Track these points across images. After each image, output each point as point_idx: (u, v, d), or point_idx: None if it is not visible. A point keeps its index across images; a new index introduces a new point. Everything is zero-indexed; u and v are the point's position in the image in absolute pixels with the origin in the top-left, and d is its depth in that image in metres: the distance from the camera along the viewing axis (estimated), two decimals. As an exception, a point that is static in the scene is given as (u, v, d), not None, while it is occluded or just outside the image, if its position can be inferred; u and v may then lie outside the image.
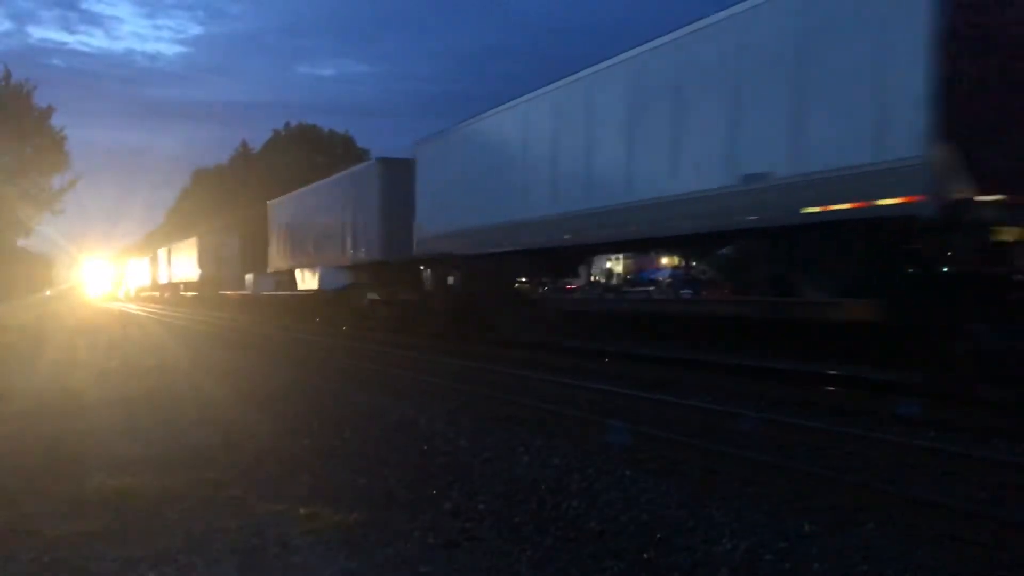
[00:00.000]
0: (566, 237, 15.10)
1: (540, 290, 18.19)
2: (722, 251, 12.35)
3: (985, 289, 9.09)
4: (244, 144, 76.99)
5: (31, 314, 32.77)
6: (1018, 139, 8.72)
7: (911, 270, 9.72)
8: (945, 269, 9.39)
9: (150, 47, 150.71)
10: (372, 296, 23.71)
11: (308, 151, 63.05)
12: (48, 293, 52.69)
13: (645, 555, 4.68)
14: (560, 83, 15.34)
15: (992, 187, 8.67)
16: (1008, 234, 8.94)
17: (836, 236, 10.25)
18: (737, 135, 11.07)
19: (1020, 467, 6.62)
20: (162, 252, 57.40)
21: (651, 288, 20.14)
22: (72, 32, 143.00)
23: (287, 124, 72.26)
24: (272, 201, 32.88)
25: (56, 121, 36.52)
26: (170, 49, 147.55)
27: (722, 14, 11.44)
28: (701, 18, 11.64)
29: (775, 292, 11.76)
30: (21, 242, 41.06)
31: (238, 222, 38.30)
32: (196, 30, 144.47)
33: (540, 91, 15.99)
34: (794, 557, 4.56)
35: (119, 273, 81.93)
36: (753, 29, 10.97)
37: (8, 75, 35.04)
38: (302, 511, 5.39)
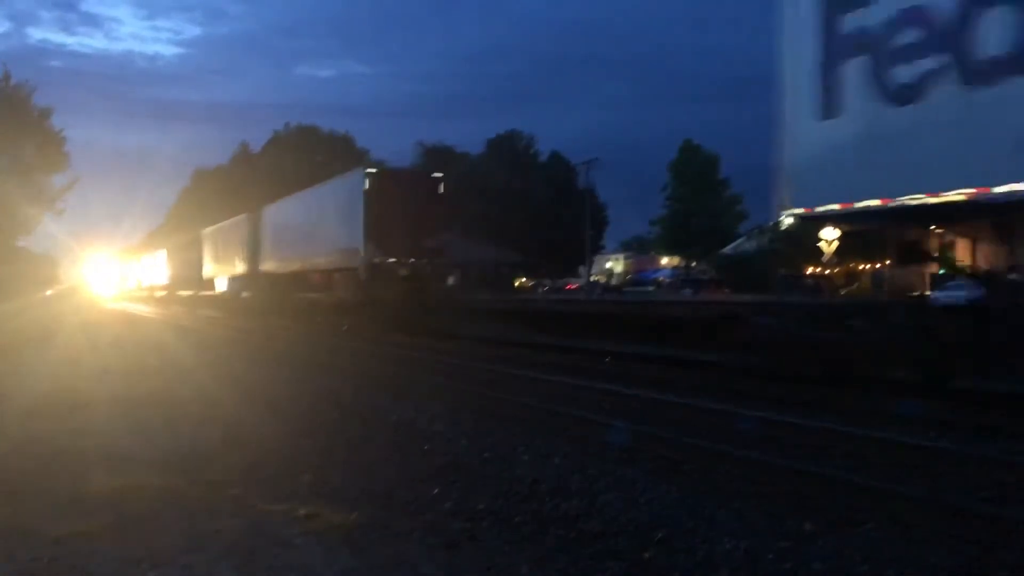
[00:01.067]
0: (297, 267, 30.65)
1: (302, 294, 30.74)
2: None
3: (414, 294, 23.50)
4: (244, 144, 77.08)
5: (31, 314, 32.83)
6: (398, 240, 23.78)
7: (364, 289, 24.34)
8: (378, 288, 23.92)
9: (149, 48, 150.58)
10: (245, 295, 37.39)
11: (308, 151, 63.14)
12: (49, 293, 53.01)
13: (645, 555, 4.68)
14: (295, 194, 32.35)
15: (393, 255, 24.02)
16: (404, 269, 24.45)
17: (343, 274, 26.03)
18: (328, 232, 27.12)
19: (1019, 466, 6.62)
20: (146, 258, 69.36)
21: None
22: (71, 33, 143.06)
23: (287, 124, 72.39)
24: (204, 230, 46.82)
25: (56, 122, 36.58)
26: (169, 50, 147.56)
27: (317, 187, 30.25)
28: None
29: (342, 293, 26.43)
30: (22, 242, 41.08)
31: (194, 239, 49.15)
32: (195, 31, 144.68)
33: (289, 196, 33.35)
34: (794, 557, 4.56)
35: (116, 274, 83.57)
36: (325, 195, 28.29)
37: (8, 76, 35.07)
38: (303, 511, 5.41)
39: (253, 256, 35.73)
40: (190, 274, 48.62)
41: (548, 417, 9.08)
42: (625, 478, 6.22)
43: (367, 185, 24.42)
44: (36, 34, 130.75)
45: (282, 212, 33.24)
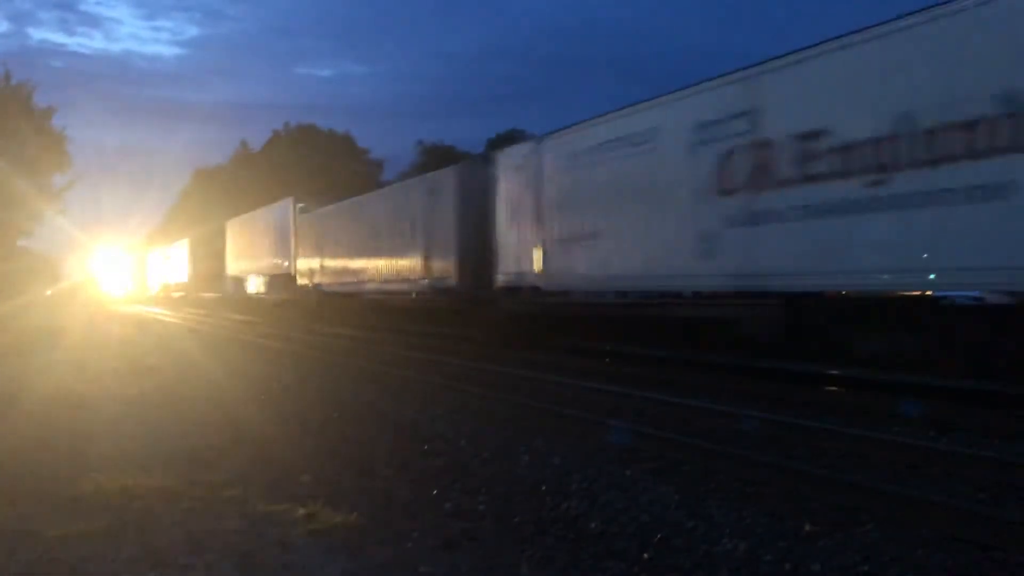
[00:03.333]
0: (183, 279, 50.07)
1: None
2: None
3: None
4: (244, 144, 76.99)
5: (37, 314, 32.97)
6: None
7: None
8: None
9: (149, 48, 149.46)
10: (173, 294, 55.92)
11: (308, 151, 63.09)
12: (49, 293, 53.49)
13: (645, 555, 4.68)
14: (177, 241, 53.28)
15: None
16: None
17: (181, 284, 53.78)
18: (181, 265, 52.40)
19: (1019, 466, 6.62)
20: (126, 264, 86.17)
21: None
22: (71, 34, 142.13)
23: (286, 124, 72.22)
24: (149, 252, 68.97)
25: (56, 122, 36.62)
26: (168, 51, 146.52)
27: (178, 241, 54.16)
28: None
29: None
30: (22, 242, 41.10)
31: (143, 255, 71.49)
32: (194, 32, 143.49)
33: (170, 245, 56.26)
34: (794, 557, 4.56)
35: (109, 274, 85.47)
36: (178, 248, 54.57)
37: (8, 76, 35.07)
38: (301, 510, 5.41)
39: (164, 275, 58.73)
40: (143, 280, 72.35)
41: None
42: (625, 478, 6.22)
43: (187, 248, 46.62)
44: (36, 34, 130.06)
45: (170, 250, 55.34)
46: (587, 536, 5.04)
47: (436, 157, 53.58)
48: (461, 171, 19.63)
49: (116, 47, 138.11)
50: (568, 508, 5.55)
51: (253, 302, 35.36)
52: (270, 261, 32.62)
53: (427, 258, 20.26)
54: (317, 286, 28.13)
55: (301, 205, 30.01)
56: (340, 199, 27.06)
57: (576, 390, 11.16)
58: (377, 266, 23.15)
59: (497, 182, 17.94)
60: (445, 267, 19.44)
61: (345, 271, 25.77)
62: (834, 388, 10.99)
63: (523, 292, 17.24)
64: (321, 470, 6.68)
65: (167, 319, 35.59)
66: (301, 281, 29.50)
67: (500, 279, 17.75)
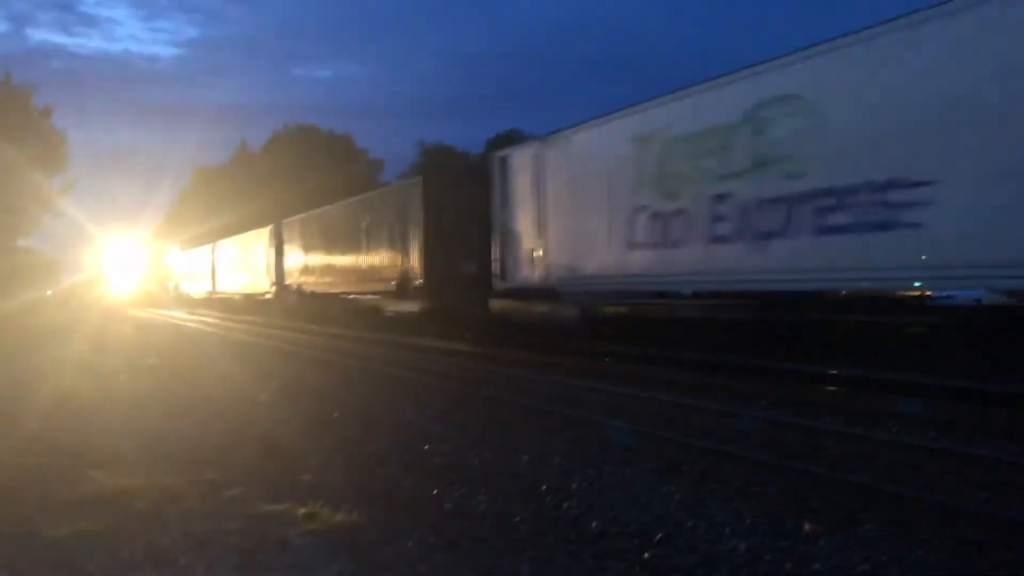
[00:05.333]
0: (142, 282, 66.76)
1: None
2: None
3: None
4: (244, 144, 76.96)
5: (37, 314, 32.99)
6: None
7: None
8: None
9: (148, 49, 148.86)
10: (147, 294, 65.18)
11: (307, 151, 63.09)
12: (49, 293, 53.61)
13: (645, 555, 4.69)
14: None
15: None
16: None
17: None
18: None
19: (1019, 466, 6.62)
20: (114, 267, 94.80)
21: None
22: (70, 35, 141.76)
23: (286, 125, 72.20)
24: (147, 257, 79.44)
25: (55, 122, 36.61)
26: (167, 51, 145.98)
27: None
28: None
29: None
30: (22, 242, 41.05)
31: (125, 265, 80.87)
32: (193, 33, 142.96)
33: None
34: (794, 557, 4.56)
35: (104, 275, 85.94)
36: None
37: (8, 76, 35.06)
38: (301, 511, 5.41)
39: (140, 276, 68.92)
40: (137, 281, 78.45)
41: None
42: (625, 478, 6.23)
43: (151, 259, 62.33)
44: (35, 35, 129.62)
45: (144, 259, 65.96)
46: (587, 536, 5.04)
47: (436, 157, 53.61)
48: None
49: (115, 48, 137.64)
50: (568, 508, 5.55)
51: (177, 299, 56.96)
52: (178, 275, 57.22)
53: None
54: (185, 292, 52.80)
55: (184, 246, 54.52)
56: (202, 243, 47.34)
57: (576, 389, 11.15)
58: (207, 276, 46.06)
59: None
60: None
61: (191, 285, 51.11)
62: (834, 388, 10.99)
63: None
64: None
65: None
66: (183, 289, 53.99)
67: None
